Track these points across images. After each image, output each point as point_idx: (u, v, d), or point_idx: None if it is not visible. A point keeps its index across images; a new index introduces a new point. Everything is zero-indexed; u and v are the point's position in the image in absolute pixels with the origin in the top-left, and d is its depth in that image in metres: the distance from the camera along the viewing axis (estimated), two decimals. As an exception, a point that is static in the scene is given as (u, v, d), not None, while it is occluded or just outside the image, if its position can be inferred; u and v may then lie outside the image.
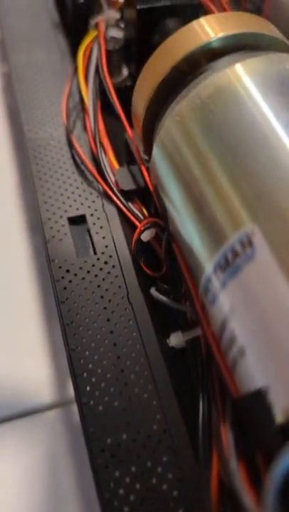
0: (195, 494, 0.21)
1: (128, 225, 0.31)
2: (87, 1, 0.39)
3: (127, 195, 0.32)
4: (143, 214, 0.31)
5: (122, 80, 0.39)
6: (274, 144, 0.20)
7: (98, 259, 0.29)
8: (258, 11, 0.56)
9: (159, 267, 0.30)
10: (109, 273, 0.28)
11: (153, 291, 0.28)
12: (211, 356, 0.22)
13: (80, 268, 0.29)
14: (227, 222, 0.20)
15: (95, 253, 0.29)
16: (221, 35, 0.25)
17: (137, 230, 0.29)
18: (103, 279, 0.28)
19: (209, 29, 0.26)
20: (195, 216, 0.22)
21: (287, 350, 0.17)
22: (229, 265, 0.19)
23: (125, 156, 0.35)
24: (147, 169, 0.31)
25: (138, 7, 0.34)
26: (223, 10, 0.37)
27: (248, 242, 0.18)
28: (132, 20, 0.36)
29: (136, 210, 0.31)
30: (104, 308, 0.27)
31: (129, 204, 0.31)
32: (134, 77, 0.39)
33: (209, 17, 0.26)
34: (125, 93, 0.39)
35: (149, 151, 0.30)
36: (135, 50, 0.37)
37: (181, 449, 0.23)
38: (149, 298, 0.28)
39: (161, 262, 0.30)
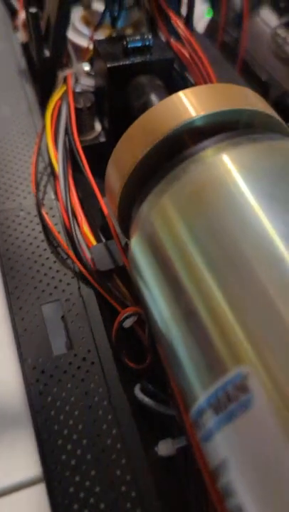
0: None
1: (107, 308, 0.28)
2: (54, 54, 0.36)
3: (106, 274, 0.29)
4: (123, 294, 0.29)
5: (95, 136, 0.36)
6: (275, 260, 0.17)
7: (75, 354, 0.26)
8: (235, 42, 0.54)
9: (143, 356, 0.27)
10: (88, 371, 0.26)
11: (138, 392, 0.25)
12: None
13: (56, 367, 0.26)
14: (220, 351, 0.17)
15: (72, 347, 0.27)
16: (202, 113, 0.23)
17: (118, 319, 0.27)
18: (82, 380, 0.25)
19: (190, 106, 0.23)
20: (182, 329, 0.20)
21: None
22: (223, 409, 0.17)
23: (101, 223, 0.32)
24: (125, 246, 0.28)
25: (108, 65, 0.31)
26: (200, 61, 0.34)
27: (242, 387, 0.16)
28: (102, 75, 0.33)
29: (116, 292, 0.29)
30: (85, 416, 0.24)
31: (109, 285, 0.29)
32: (107, 132, 0.36)
33: (189, 91, 0.24)
34: (100, 149, 0.36)
35: (125, 230, 0.27)
36: (107, 106, 0.34)
37: None
38: (133, 398, 0.25)
39: (145, 351, 0.27)
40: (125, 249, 0.28)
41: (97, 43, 0.33)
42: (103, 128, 0.36)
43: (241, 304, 0.17)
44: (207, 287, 0.18)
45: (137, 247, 0.23)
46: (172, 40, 0.36)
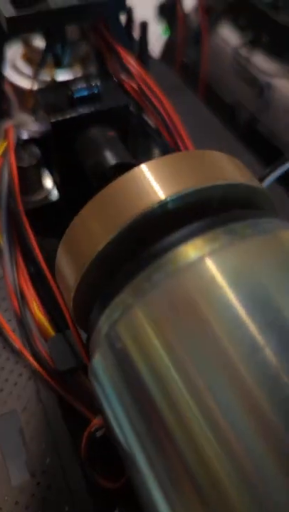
0: None
1: (73, 413, 0.24)
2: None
3: (68, 370, 0.24)
4: (92, 394, 0.24)
5: (45, 196, 0.31)
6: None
7: (38, 483, 0.22)
8: (194, 65, 0.50)
9: (120, 468, 0.23)
10: (54, 503, 0.21)
11: (116, 526, 0.21)
12: None
13: (16, 503, 0.21)
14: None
15: (34, 473, 0.22)
16: (171, 196, 0.18)
17: (87, 431, 0.23)
18: (48, 517, 0.21)
19: (157, 185, 0.19)
20: (163, 485, 0.16)
21: None
22: None
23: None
24: (86, 343, 0.24)
25: (52, 120, 0.27)
26: (159, 101, 0.30)
27: None
28: (47, 128, 0.29)
29: (82, 392, 0.24)
30: None
31: (73, 383, 0.24)
32: (59, 187, 0.32)
33: (152, 165, 0.20)
34: (53, 209, 0.32)
35: (83, 324, 0.23)
36: (55, 161, 0.30)
37: None
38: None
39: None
40: (87, 344, 0.24)
41: (38, 93, 0.28)
42: (54, 182, 0.32)
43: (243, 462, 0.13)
44: (200, 432, 0.15)
45: (101, 367, 0.18)
46: (125, 78, 0.32)
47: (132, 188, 0.19)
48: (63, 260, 0.22)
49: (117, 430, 0.18)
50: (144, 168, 0.20)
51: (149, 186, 0.19)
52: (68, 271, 0.21)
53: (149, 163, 0.20)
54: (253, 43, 0.45)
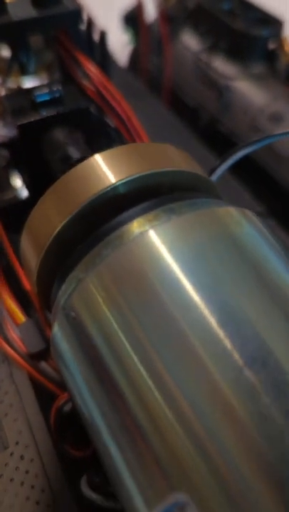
0: None
1: (44, 392, 0.26)
2: None
3: (39, 353, 0.26)
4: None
5: (14, 195, 0.33)
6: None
7: (12, 453, 0.24)
8: (158, 70, 0.52)
9: (88, 439, 0.25)
10: (27, 472, 0.23)
11: (84, 488, 0.23)
12: None
13: (-9, 473, 0.23)
14: (154, 472, 0.15)
15: (7, 445, 0.24)
16: (121, 181, 0.21)
17: (55, 405, 0.24)
18: (21, 484, 0.23)
19: (105, 173, 0.21)
20: (117, 440, 0.18)
21: None
22: None
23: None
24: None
25: (18, 123, 0.29)
26: (119, 105, 0.32)
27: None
28: (14, 131, 0.31)
29: (52, 372, 0.26)
30: (27, 528, 0.22)
31: (43, 364, 0.26)
32: (29, 186, 0.34)
33: (104, 155, 0.22)
34: (22, 207, 0.34)
35: (47, 304, 0.25)
36: (24, 162, 0.32)
37: None
38: (80, 494, 0.23)
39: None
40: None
41: (4, 99, 0.31)
42: (24, 182, 0.34)
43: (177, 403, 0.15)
44: (151, 396, 0.16)
45: (59, 337, 0.20)
46: (87, 83, 0.34)
47: (87, 175, 0.22)
48: (26, 246, 0.24)
49: (78, 399, 0.20)
50: (97, 157, 0.22)
51: (102, 172, 0.21)
52: (30, 255, 0.23)
53: (103, 153, 0.22)
54: (212, 49, 0.48)
